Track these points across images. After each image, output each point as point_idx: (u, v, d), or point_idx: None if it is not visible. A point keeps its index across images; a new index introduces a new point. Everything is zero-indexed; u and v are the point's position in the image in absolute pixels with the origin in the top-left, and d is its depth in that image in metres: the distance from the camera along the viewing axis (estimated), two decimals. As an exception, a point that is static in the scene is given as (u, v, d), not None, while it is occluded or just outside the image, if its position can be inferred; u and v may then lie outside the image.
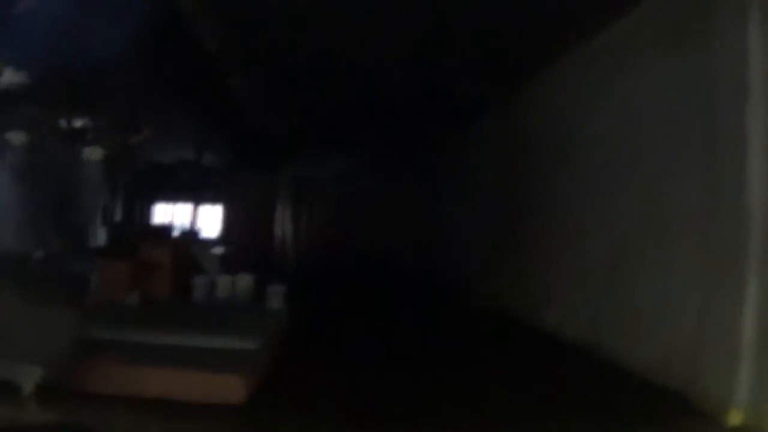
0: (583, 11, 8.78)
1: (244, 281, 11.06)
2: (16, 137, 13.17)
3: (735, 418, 5.67)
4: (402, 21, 9.73)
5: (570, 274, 10.14)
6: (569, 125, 10.55)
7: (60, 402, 5.32)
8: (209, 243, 20.36)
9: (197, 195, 22.36)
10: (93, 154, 17.34)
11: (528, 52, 10.96)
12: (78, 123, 15.56)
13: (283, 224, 24.45)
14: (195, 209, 21.47)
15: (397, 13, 9.41)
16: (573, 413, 6.25)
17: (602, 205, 9.10)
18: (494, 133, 14.90)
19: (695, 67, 6.90)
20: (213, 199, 30.33)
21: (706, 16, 6.58)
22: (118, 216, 23.09)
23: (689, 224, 6.88)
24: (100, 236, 21.89)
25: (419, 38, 10.54)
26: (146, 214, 30.46)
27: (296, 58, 11.46)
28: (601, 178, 9.21)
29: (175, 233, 20.30)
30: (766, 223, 5.67)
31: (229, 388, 5.93)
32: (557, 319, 10.26)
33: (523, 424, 5.95)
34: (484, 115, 15.57)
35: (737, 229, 5.88)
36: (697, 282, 6.55)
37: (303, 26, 9.76)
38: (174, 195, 29.93)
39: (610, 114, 9.05)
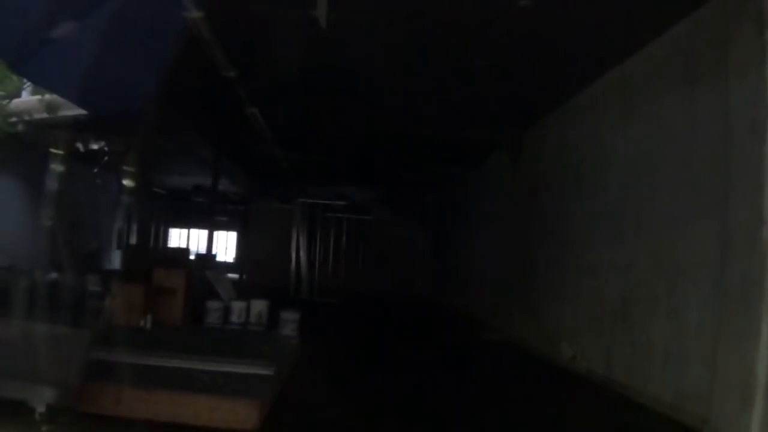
0: (596, 49, 8.82)
1: (259, 307, 11.05)
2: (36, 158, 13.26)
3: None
4: (419, 62, 9.79)
5: (583, 311, 10.04)
6: (584, 162, 10.52)
7: (71, 423, 5.28)
8: (224, 268, 20.36)
9: (213, 221, 22.40)
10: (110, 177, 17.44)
11: (541, 92, 11.01)
12: (95, 146, 15.65)
13: (297, 252, 24.46)
14: (211, 235, 21.48)
15: (414, 54, 9.47)
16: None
17: (616, 243, 9.02)
18: (507, 169, 14.86)
19: (710, 106, 6.85)
20: (229, 226, 30.47)
21: (723, 54, 6.52)
22: (134, 240, 23.14)
23: (703, 264, 6.80)
24: (115, 259, 21.95)
25: (434, 79, 10.61)
26: (162, 238, 30.58)
27: (313, 90, 11.50)
28: (615, 216, 9.14)
29: (191, 258, 20.29)
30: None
31: (241, 414, 5.87)
32: (570, 353, 10.17)
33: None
34: (498, 152, 15.56)
35: (752, 269, 5.78)
36: (711, 322, 6.45)
37: (320, 61, 9.82)
38: (190, 220, 30.07)
39: (625, 152, 9.01)
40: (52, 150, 14.30)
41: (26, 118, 12.53)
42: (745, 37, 6.14)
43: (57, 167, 14.16)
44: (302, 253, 24.54)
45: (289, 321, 10.54)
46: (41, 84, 11.26)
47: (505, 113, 12.49)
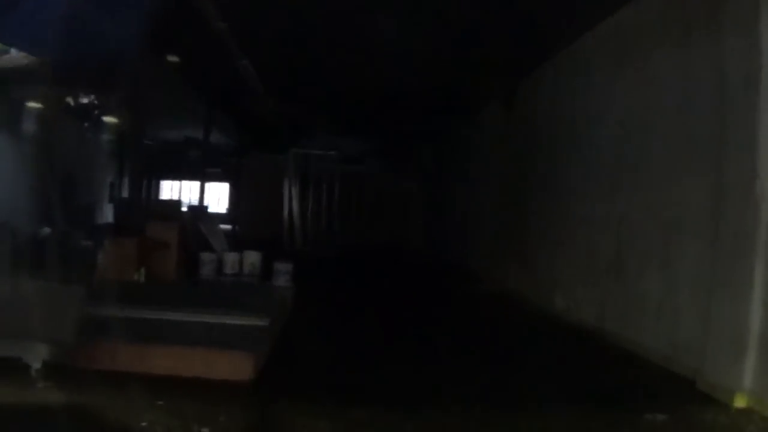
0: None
1: (252, 258, 11.09)
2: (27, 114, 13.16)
3: (740, 401, 5.71)
4: (412, 10, 9.67)
5: (577, 262, 10.08)
6: (579, 114, 10.43)
7: (67, 379, 5.30)
8: (217, 220, 20.35)
9: (205, 173, 22.32)
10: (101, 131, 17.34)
11: (535, 42, 10.88)
12: (85, 100, 15.54)
13: (290, 203, 24.41)
14: (203, 186, 21.41)
15: (407, 2, 9.35)
16: (582, 397, 6.25)
17: (611, 195, 9.01)
18: (501, 120, 14.77)
19: (705, 60, 6.80)
20: (221, 177, 30.40)
21: (717, 8, 6.46)
22: (126, 193, 23.09)
23: (697, 217, 6.83)
24: (107, 213, 21.93)
25: (428, 30, 10.48)
26: (154, 191, 30.52)
27: (305, 41, 11.39)
28: (610, 168, 9.12)
29: (183, 210, 20.28)
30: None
31: (236, 365, 5.92)
32: (564, 305, 10.23)
33: (531, 406, 5.89)
34: (492, 103, 15.45)
35: (745, 221, 5.84)
36: (704, 274, 6.50)
37: (312, 11, 9.72)
38: (182, 173, 29.98)
39: (620, 104, 8.94)
40: (43, 104, 14.21)
41: (15, 73, 12.42)
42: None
43: (47, 121, 14.07)
44: (295, 205, 24.47)
45: (283, 272, 10.59)
46: (19, 46, 11.10)
47: (498, 64, 12.34)
